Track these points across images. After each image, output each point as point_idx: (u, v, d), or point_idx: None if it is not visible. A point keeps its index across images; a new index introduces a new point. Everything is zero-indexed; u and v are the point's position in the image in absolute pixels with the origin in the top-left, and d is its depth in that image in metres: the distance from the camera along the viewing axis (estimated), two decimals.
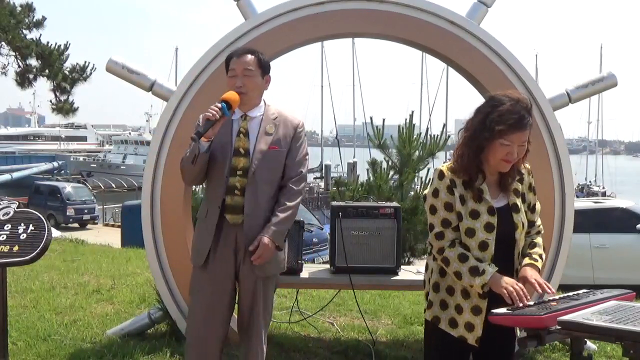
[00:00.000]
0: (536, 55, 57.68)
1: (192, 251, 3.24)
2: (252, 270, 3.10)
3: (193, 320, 3.20)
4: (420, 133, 8.10)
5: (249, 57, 3.16)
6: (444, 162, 2.86)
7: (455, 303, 2.62)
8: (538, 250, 2.71)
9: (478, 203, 2.58)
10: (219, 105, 2.99)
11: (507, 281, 2.50)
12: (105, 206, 29.40)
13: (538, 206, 2.79)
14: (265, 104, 3.26)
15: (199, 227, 3.23)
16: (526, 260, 2.66)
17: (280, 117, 3.22)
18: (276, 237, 3.08)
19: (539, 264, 2.65)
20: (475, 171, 2.59)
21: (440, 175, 2.62)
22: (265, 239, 3.04)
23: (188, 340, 3.20)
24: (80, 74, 15.57)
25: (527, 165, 2.72)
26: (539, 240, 2.75)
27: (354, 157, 38.73)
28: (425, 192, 2.70)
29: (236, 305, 3.26)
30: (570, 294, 2.51)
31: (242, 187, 3.09)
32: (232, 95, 3.06)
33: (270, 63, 4.72)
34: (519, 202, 2.66)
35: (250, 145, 3.13)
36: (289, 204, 3.15)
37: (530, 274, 2.58)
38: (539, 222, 2.80)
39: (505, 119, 2.48)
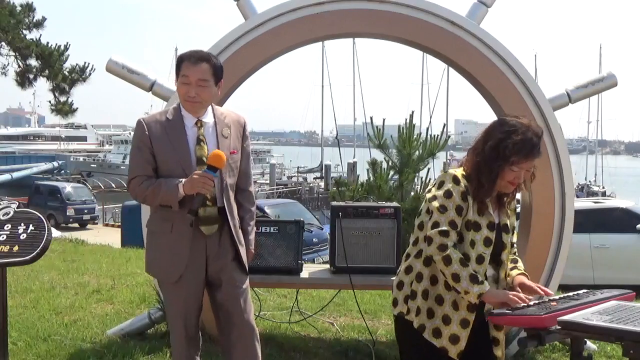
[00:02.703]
0: (535, 55, 57.63)
1: (156, 267, 3.14)
2: (231, 274, 3.11)
3: (172, 332, 3.20)
4: (420, 133, 8.09)
5: (205, 65, 3.00)
6: (444, 165, 2.84)
7: (443, 313, 2.59)
8: (521, 265, 2.78)
9: (480, 216, 2.59)
10: (209, 175, 2.88)
11: (500, 293, 2.52)
12: (105, 206, 29.39)
13: (517, 229, 2.87)
14: (212, 105, 3.15)
15: (161, 242, 3.09)
16: (516, 271, 2.71)
17: (228, 118, 3.15)
18: (253, 243, 3.29)
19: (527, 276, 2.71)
20: (491, 195, 2.61)
21: (456, 179, 2.58)
22: (252, 250, 3.27)
23: (173, 349, 3.25)
24: (80, 74, 15.56)
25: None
26: (517, 258, 2.82)
27: (354, 157, 38.72)
28: (432, 193, 2.61)
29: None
30: (570, 294, 2.52)
31: (212, 197, 3.04)
32: (217, 159, 2.89)
33: (270, 63, 4.77)
34: (509, 222, 2.70)
35: (209, 152, 3.02)
36: (253, 209, 3.27)
37: (529, 282, 2.63)
38: (515, 245, 2.84)
39: (519, 149, 2.51)
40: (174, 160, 3.02)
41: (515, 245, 2.83)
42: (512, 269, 2.74)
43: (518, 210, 2.99)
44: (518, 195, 2.90)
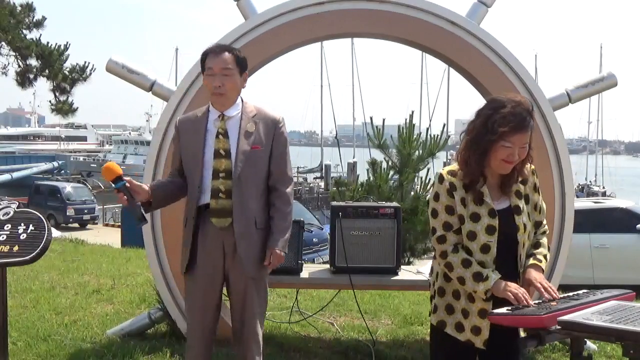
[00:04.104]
0: (535, 56, 57.68)
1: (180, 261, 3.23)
2: (243, 272, 3.07)
3: (189, 325, 3.23)
4: (420, 133, 8.10)
5: (227, 55, 3.06)
6: (444, 165, 2.86)
7: (462, 307, 2.61)
8: (542, 250, 2.69)
9: (479, 206, 2.57)
10: (116, 189, 2.90)
11: (510, 285, 2.49)
12: (105, 206, 29.39)
13: (544, 206, 2.77)
14: (242, 101, 3.17)
15: (183, 236, 3.19)
16: (530, 261, 2.64)
17: (259, 114, 3.14)
18: (283, 245, 3.14)
19: (543, 265, 2.64)
20: (479, 175, 2.58)
21: (440, 178, 2.62)
22: (277, 251, 3.11)
23: (188, 342, 3.22)
24: (80, 74, 15.55)
25: (532, 166, 2.70)
26: (544, 240, 2.74)
27: (353, 157, 38.73)
28: (429, 196, 2.71)
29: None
30: (570, 294, 2.51)
31: (226, 190, 3.04)
32: (105, 171, 2.92)
33: (270, 63, 4.77)
34: (521, 204, 2.64)
35: (231, 146, 3.07)
36: (286, 209, 3.15)
37: (535, 276, 2.57)
38: (544, 222, 2.78)
39: (508, 121, 2.48)
40: (190, 152, 3.10)
41: (542, 224, 2.75)
42: (529, 255, 2.66)
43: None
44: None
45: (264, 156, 3.11)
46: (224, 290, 3.21)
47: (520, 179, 2.65)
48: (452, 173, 2.62)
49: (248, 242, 3.07)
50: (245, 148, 3.06)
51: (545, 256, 2.68)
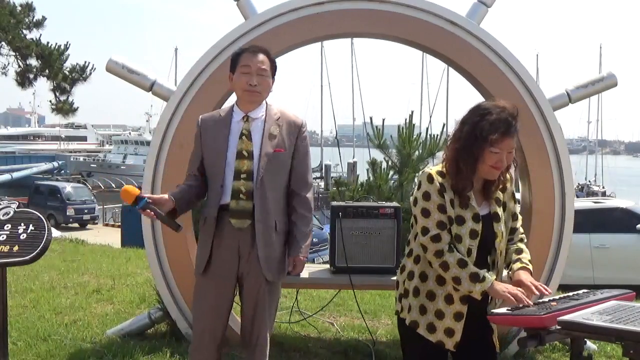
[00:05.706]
0: (537, 55, 57.65)
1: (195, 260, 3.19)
2: (258, 275, 3.05)
3: (198, 325, 3.15)
4: (420, 133, 8.09)
5: (263, 56, 3.09)
6: (430, 167, 2.85)
7: (436, 308, 2.61)
8: (526, 255, 2.72)
9: (464, 209, 2.58)
10: (140, 209, 2.87)
11: (508, 286, 2.51)
12: (105, 206, 29.39)
13: (519, 215, 2.81)
14: (266, 103, 3.16)
15: (199, 235, 3.16)
16: (518, 265, 2.66)
17: (283, 117, 3.14)
18: (306, 251, 3.16)
19: (530, 268, 2.67)
20: (471, 183, 2.59)
21: (430, 178, 2.60)
22: (301, 257, 3.13)
23: (194, 345, 3.15)
24: (80, 74, 15.57)
25: (509, 175, 2.72)
26: (523, 246, 2.77)
27: (353, 157, 38.71)
28: (414, 196, 2.65)
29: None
30: (570, 294, 2.51)
31: (247, 191, 3.02)
32: (124, 195, 2.88)
33: None
34: (500, 211, 2.67)
35: (254, 147, 3.05)
36: (309, 215, 3.17)
37: (525, 277, 2.58)
38: (520, 229, 2.82)
39: (496, 127, 2.49)
40: (213, 153, 3.08)
41: (518, 231, 2.79)
42: (515, 260, 2.68)
43: (518, 196, 2.94)
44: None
45: (286, 159, 3.10)
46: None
47: (500, 186, 2.67)
48: (441, 174, 2.61)
49: (268, 245, 3.05)
50: (268, 150, 3.05)
51: (529, 260, 2.70)
